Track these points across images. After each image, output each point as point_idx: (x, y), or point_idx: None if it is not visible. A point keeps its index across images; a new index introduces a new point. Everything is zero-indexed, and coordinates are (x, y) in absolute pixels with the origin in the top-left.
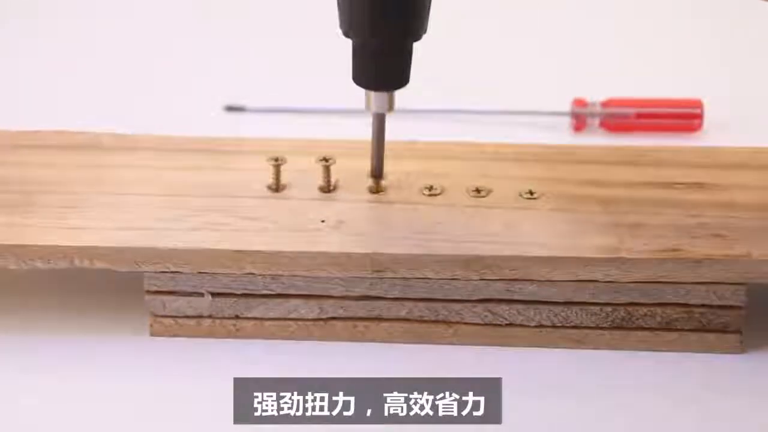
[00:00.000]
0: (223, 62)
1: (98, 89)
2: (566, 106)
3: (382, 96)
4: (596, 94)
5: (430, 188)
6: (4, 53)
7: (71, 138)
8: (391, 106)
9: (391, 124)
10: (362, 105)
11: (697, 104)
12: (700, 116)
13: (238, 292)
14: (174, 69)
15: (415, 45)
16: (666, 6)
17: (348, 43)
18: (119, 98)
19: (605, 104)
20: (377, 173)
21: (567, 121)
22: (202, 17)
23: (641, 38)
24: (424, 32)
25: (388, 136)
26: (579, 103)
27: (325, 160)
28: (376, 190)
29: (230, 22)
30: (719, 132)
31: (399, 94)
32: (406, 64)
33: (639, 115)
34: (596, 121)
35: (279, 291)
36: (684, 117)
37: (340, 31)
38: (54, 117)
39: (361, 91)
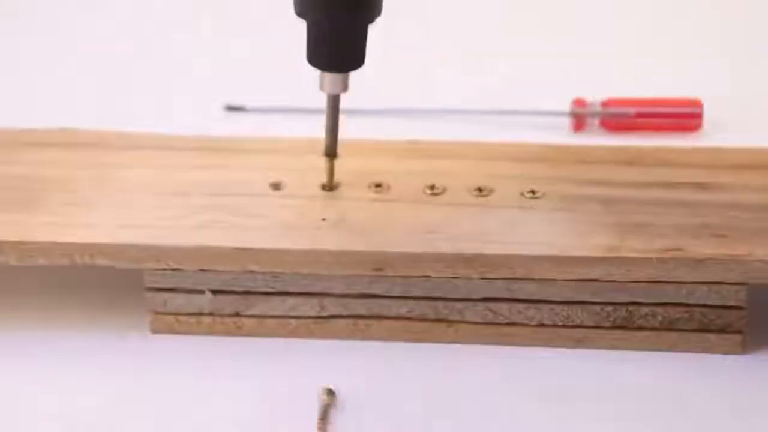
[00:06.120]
0: (223, 62)
1: (97, 90)
2: (566, 106)
3: (336, 77)
4: (596, 94)
5: (432, 187)
6: (7, 52)
7: (75, 136)
8: (345, 87)
9: (391, 123)
10: (364, 104)
11: (697, 104)
12: (699, 116)
13: (239, 290)
14: (174, 69)
15: (417, 45)
16: (666, 5)
17: None
18: (119, 98)
19: (605, 104)
20: (331, 151)
21: (567, 120)
22: (202, 16)
23: (641, 38)
24: (378, 14)
25: (389, 135)
26: (579, 103)
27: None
28: (330, 186)
29: (231, 21)
30: (719, 132)
31: (399, 94)
32: (360, 46)
33: (639, 115)
34: (596, 121)
35: (280, 289)
36: (684, 117)
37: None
38: (57, 116)
39: (364, 89)
